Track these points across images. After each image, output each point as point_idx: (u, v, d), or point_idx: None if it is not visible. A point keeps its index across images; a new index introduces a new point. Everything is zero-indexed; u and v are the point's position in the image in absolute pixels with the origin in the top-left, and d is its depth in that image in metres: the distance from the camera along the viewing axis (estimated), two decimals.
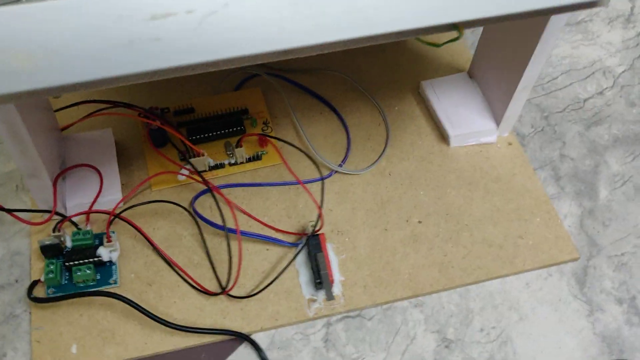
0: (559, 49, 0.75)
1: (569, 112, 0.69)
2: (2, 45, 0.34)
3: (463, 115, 0.65)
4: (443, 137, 0.65)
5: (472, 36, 0.74)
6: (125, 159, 0.61)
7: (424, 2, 0.40)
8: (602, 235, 0.60)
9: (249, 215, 0.57)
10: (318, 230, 0.55)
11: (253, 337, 0.53)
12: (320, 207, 0.55)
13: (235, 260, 0.54)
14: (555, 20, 0.52)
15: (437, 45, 0.56)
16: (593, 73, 0.73)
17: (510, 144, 0.65)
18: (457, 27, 0.44)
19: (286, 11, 0.37)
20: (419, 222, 0.59)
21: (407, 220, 0.59)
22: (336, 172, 0.62)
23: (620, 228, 0.61)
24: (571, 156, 0.66)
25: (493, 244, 0.58)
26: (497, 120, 0.64)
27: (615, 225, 0.61)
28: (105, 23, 0.36)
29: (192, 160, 0.58)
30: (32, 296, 0.52)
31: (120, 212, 0.55)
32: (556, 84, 0.72)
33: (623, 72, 0.73)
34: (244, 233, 0.56)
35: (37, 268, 0.54)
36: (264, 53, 0.37)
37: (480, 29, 0.64)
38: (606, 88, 0.72)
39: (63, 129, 0.60)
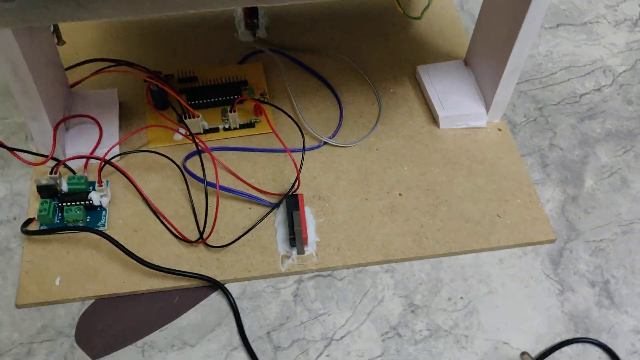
0: (561, 46, 0.76)
1: (564, 105, 0.70)
2: None
3: (454, 99, 0.66)
4: (434, 119, 0.67)
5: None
6: (128, 118, 0.65)
7: None
8: (582, 221, 0.61)
9: (234, 174, 0.60)
10: (295, 191, 0.58)
11: (226, 286, 0.55)
12: (298, 170, 0.58)
13: (212, 212, 0.57)
14: (535, 8, 0.54)
15: (418, 18, 0.59)
16: (593, 71, 0.74)
17: (500, 130, 0.66)
18: None
19: None
20: (400, 194, 0.61)
21: (388, 192, 0.61)
22: (325, 143, 0.64)
23: (602, 216, 0.61)
24: (560, 146, 0.66)
25: (470, 220, 0.59)
26: (488, 105, 0.65)
27: (597, 213, 0.61)
28: None
29: (187, 121, 0.62)
30: (24, 229, 0.55)
31: (111, 159, 0.58)
32: (554, 79, 0.73)
33: (624, 71, 0.74)
34: (224, 188, 0.59)
35: (35, 208, 0.58)
36: None
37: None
38: (605, 85, 0.72)
39: (72, 85, 0.64)
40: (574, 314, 0.55)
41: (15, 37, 0.49)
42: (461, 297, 0.56)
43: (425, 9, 0.48)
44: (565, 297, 0.56)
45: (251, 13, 0.72)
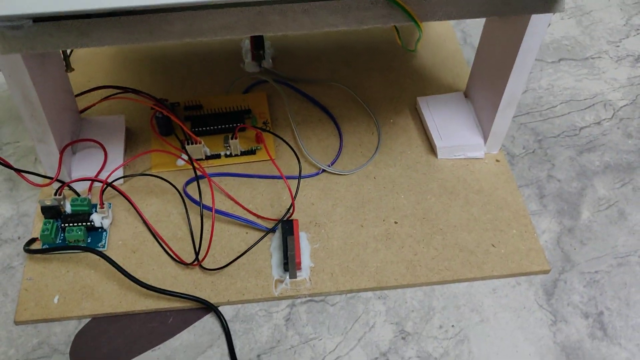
0: (562, 80, 0.77)
1: (563, 137, 0.71)
2: None
3: (452, 130, 0.67)
4: (432, 149, 0.68)
5: None
6: (134, 143, 0.67)
7: None
8: (578, 253, 0.61)
9: (233, 199, 0.61)
10: (290, 216, 0.59)
11: (220, 308, 0.56)
12: (293, 197, 0.59)
13: (208, 236, 0.58)
14: (529, 40, 0.55)
15: (413, 50, 0.60)
16: (593, 105, 0.74)
17: (498, 161, 0.67)
18: (417, 22, 0.47)
19: None
20: (395, 222, 0.62)
21: (383, 220, 0.62)
22: (324, 171, 0.65)
23: (598, 248, 0.61)
24: (558, 177, 0.67)
25: (464, 249, 0.60)
26: (486, 137, 0.66)
27: (593, 244, 0.61)
28: None
29: (189, 147, 0.64)
30: (26, 248, 0.57)
31: (113, 181, 0.60)
32: (554, 112, 0.73)
33: (624, 105, 0.74)
34: (222, 212, 0.60)
35: (39, 228, 0.60)
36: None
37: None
38: (605, 119, 0.73)
39: (82, 111, 0.67)
40: (566, 345, 0.55)
41: (24, 63, 0.51)
42: (452, 326, 0.56)
43: (417, 41, 0.49)
44: (558, 327, 0.56)
45: (257, 44, 0.74)
